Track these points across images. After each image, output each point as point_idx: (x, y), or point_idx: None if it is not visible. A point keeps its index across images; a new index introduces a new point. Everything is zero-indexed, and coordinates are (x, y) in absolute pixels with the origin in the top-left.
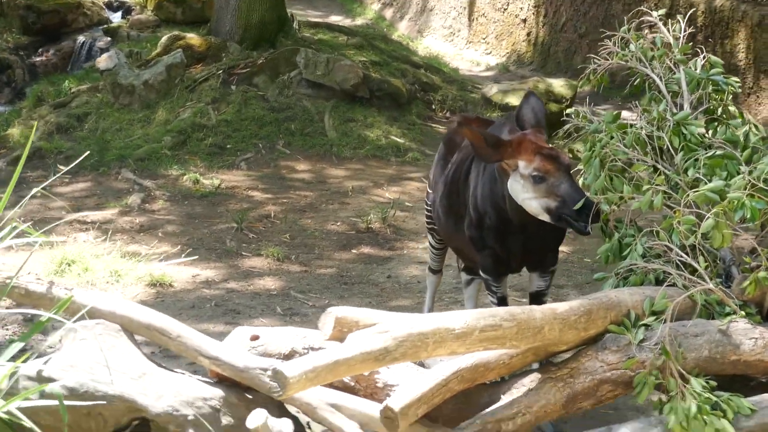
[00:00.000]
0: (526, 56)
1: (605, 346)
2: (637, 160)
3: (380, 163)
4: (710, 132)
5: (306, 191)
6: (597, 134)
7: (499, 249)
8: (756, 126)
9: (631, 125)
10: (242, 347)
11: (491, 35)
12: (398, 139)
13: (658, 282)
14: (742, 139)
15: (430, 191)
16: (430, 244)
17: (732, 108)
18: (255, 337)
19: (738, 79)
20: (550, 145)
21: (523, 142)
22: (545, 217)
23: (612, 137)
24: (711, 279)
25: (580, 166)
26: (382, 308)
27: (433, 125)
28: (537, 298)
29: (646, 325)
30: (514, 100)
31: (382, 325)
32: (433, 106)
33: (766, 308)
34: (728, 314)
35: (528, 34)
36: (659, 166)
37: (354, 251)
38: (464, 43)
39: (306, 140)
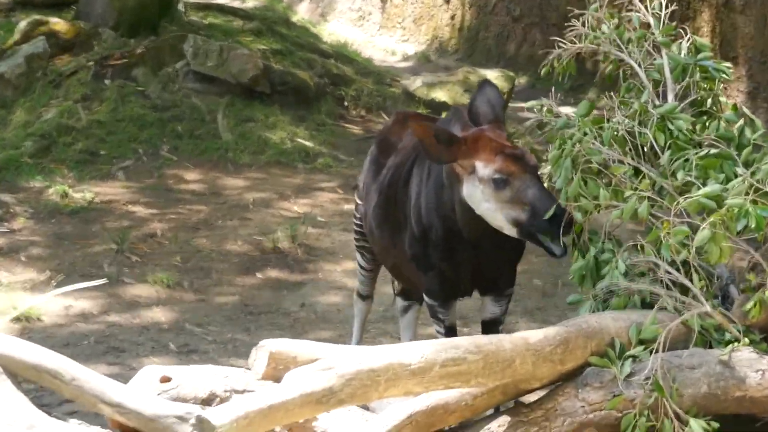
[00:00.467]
0: (450, 43)
1: (586, 382)
2: (615, 161)
3: (285, 170)
4: (699, 127)
5: (198, 205)
6: (567, 130)
7: (447, 269)
8: (753, 120)
9: (608, 120)
10: (151, 391)
11: (408, 19)
12: (306, 142)
13: (645, 305)
14: (736, 135)
15: (360, 201)
16: (360, 264)
17: (723, 99)
18: (166, 379)
19: (730, 65)
20: (513, 143)
21: (481, 139)
22: (512, 232)
23: (585, 133)
24: (707, 300)
25: (546, 169)
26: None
27: (347, 125)
28: (490, 328)
29: (634, 357)
30: (442, 95)
31: (326, 361)
32: (346, 103)
33: None
34: (729, 342)
35: (452, 18)
36: (643, 168)
37: (259, 275)
38: (376, 29)
39: (196, 144)
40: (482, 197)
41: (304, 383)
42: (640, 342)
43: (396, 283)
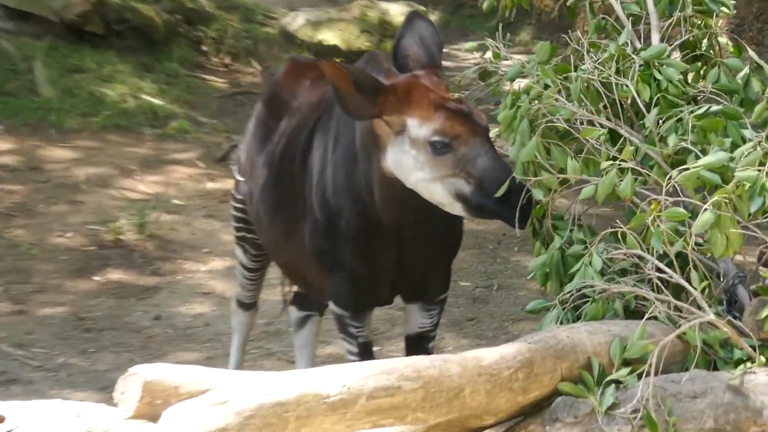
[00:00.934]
0: None
1: (556, 416)
2: (585, 122)
3: (127, 137)
4: (692, 77)
5: (12, 184)
6: (521, 82)
7: (361, 268)
8: (761, 66)
9: (576, 68)
10: None
11: None
12: (154, 100)
13: (629, 312)
14: (742, 86)
15: (241, 178)
16: (241, 262)
17: (723, 40)
18: None
19: None
20: (456, 95)
21: (415, 89)
22: (455, 208)
23: (547, 86)
24: (710, 306)
25: (493, 133)
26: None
27: (207, 77)
28: (418, 345)
29: (617, 382)
30: (332, 36)
31: (218, 392)
32: (205, 48)
33: None
34: (740, 361)
35: None
36: (622, 131)
37: (97, 278)
38: None
39: (6, 103)
40: (414, 165)
41: (190, 423)
42: (625, 362)
43: (288, 287)
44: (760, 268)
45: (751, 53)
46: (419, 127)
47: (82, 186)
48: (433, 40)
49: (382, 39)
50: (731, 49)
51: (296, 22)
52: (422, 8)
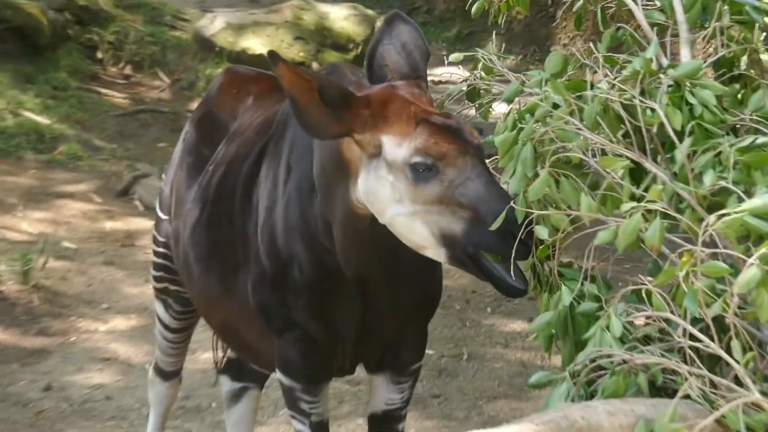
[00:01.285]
0: None
1: None
2: (597, 152)
3: (5, 163)
4: (729, 102)
5: None
6: (520, 101)
7: (317, 329)
8: None
9: (592, 86)
10: None
11: None
12: (38, 118)
13: (654, 389)
14: None
15: (164, 216)
16: (161, 321)
17: (766, 57)
18: None
19: None
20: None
21: (393, 100)
22: (438, 254)
23: (556, 105)
24: (755, 383)
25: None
26: None
27: (103, 91)
28: (385, 426)
29: None
30: (257, 44)
31: None
32: (101, 55)
33: None
34: None
35: None
36: (648, 164)
37: None
38: None
39: None
40: (392, 195)
41: None
42: None
43: (222, 352)
44: None
45: None
46: (398, 146)
47: None
48: (416, 47)
49: (320, 49)
50: None
51: (214, 25)
52: (370, 12)
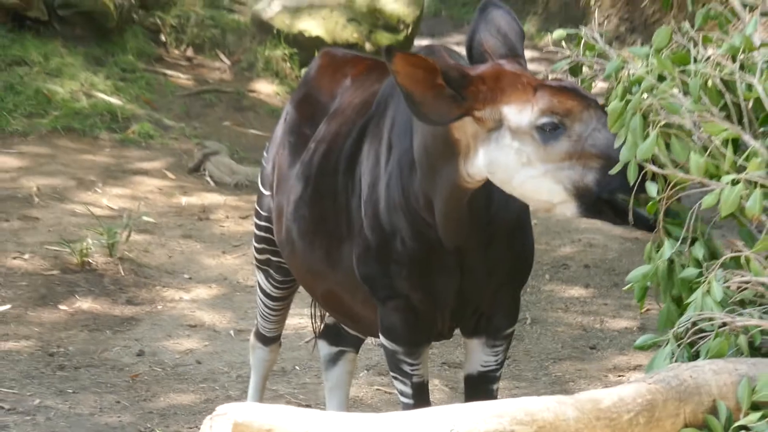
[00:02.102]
0: None
1: None
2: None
3: (82, 142)
4: None
5: None
6: (625, 74)
7: (419, 297)
8: None
9: (695, 60)
10: None
11: None
12: (110, 99)
13: (753, 349)
14: None
15: (266, 192)
16: (263, 290)
17: None
18: None
19: None
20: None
21: (503, 75)
22: (570, 207)
23: (662, 78)
24: None
25: None
26: (139, 411)
27: (169, 72)
28: (481, 386)
29: (746, 428)
30: (314, 26)
31: None
32: (164, 38)
33: None
34: None
35: None
36: (747, 138)
37: (65, 307)
38: None
39: None
40: (518, 160)
41: None
42: (754, 406)
43: (319, 317)
44: None
45: None
46: (520, 113)
47: (34, 198)
48: (511, 29)
49: (372, 30)
50: None
51: (271, 8)
52: None
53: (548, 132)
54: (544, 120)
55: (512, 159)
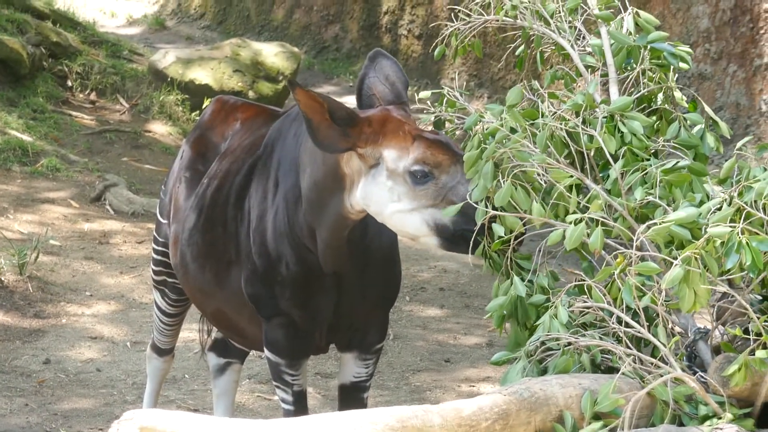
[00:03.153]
0: (194, 4)
1: None
2: (547, 171)
3: None
4: (648, 131)
5: None
6: (481, 127)
7: (300, 315)
8: (716, 122)
9: (543, 115)
10: None
11: None
12: (22, 136)
13: (594, 366)
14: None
15: (163, 220)
16: (159, 307)
17: (678, 94)
18: None
19: (691, 51)
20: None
21: (390, 121)
22: (431, 241)
23: (514, 130)
24: (676, 362)
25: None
26: (45, 413)
27: (74, 113)
28: (353, 395)
29: None
30: (204, 75)
31: None
32: (70, 83)
33: (758, 407)
34: (706, 417)
35: None
36: (587, 182)
37: None
38: None
39: None
40: (390, 197)
41: None
42: (596, 417)
43: (206, 332)
44: (729, 325)
45: (707, 108)
46: (398, 158)
47: None
48: (398, 78)
49: (255, 80)
50: (685, 104)
51: (166, 59)
52: (296, 50)
53: (419, 178)
54: (417, 168)
55: (385, 195)
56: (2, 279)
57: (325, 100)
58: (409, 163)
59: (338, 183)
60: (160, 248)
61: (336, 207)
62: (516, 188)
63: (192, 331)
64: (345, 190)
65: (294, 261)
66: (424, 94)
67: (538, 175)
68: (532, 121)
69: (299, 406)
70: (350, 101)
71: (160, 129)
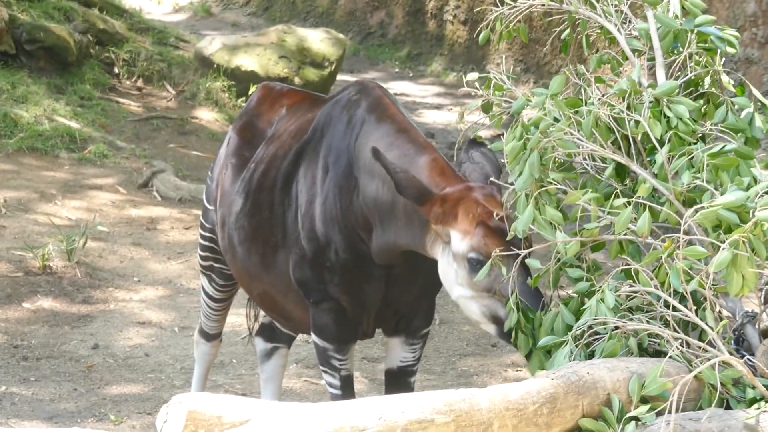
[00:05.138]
0: None
1: None
2: (595, 158)
3: (44, 160)
4: (695, 114)
5: None
6: (527, 114)
7: (349, 300)
8: (765, 105)
9: (586, 102)
10: None
11: None
12: (70, 123)
13: (641, 350)
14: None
15: (210, 206)
16: (206, 292)
17: (726, 78)
18: None
19: (738, 35)
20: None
21: (465, 201)
22: (490, 329)
23: (557, 119)
24: (724, 345)
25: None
26: (94, 397)
27: (121, 100)
28: (398, 381)
29: (636, 419)
30: (249, 62)
31: (258, 424)
32: (117, 70)
33: None
34: (753, 401)
35: None
36: (634, 167)
37: (27, 305)
38: None
39: None
40: (455, 279)
41: None
42: (643, 400)
43: (253, 317)
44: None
45: (755, 91)
46: (461, 241)
47: (1, 210)
48: (488, 159)
49: (301, 66)
50: (732, 88)
51: (212, 46)
52: (342, 36)
53: (475, 266)
54: (473, 255)
55: (452, 276)
56: (51, 265)
57: (395, 173)
58: (466, 249)
59: (425, 227)
60: (207, 234)
61: (414, 239)
62: (539, 211)
63: (239, 316)
64: (430, 233)
65: (344, 248)
66: (472, 76)
67: (584, 159)
68: (575, 109)
69: (347, 390)
70: (395, 87)
71: (206, 115)
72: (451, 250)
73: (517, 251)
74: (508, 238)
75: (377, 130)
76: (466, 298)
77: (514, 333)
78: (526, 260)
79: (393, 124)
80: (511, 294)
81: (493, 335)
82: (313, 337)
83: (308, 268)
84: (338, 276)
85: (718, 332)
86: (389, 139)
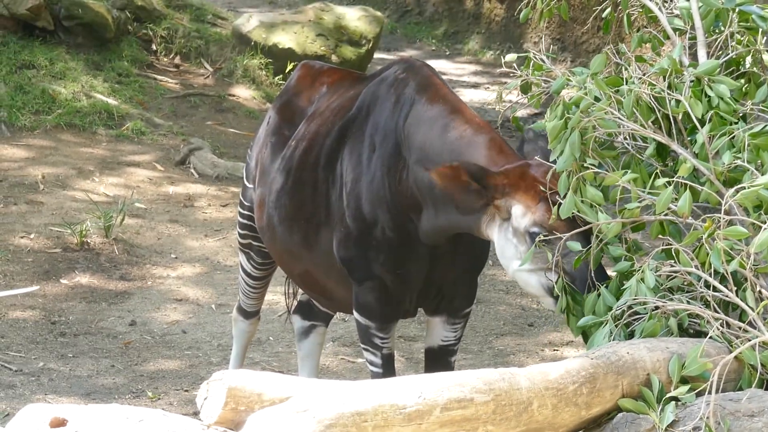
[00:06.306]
0: None
1: None
2: (636, 138)
3: (82, 137)
4: (736, 94)
5: None
6: (566, 94)
7: (393, 279)
8: None
9: (628, 82)
10: None
11: None
12: (107, 99)
13: (681, 330)
14: None
15: (249, 185)
16: (245, 270)
17: (767, 57)
18: (59, 422)
19: None
20: None
21: (526, 177)
22: (547, 302)
23: (598, 99)
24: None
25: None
26: (131, 374)
27: (158, 77)
28: (439, 360)
29: (676, 399)
30: (287, 39)
31: (299, 401)
32: (155, 47)
33: None
34: None
35: None
36: (675, 146)
37: (65, 281)
38: None
39: None
40: (515, 254)
41: (273, 430)
42: (683, 380)
43: (291, 295)
44: None
45: None
46: (522, 216)
47: (39, 185)
48: (539, 149)
49: (338, 44)
50: None
51: (250, 23)
52: (379, 14)
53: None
54: (535, 230)
55: (512, 251)
56: (88, 241)
57: (460, 166)
58: (529, 223)
59: (482, 209)
60: (246, 212)
61: (468, 222)
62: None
63: (277, 294)
64: (486, 215)
65: (391, 227)
66: (510, 56)
67: (624, 139)
68: (616, 89)
69: (388, 368)
70: (431, 65)
71: (243, 93)
72: (511, 226)
73: (578, 228)
74: (550, 222)
75: (429, 111)
76: (526, 272)
77: (565, 315)
78: (567, 243)
79: (446, 104)
80: (565, 273)
81: (552, 309)
82: (356, 315)
83: (353, 246)
84: (384, 255)
85: (758, 313)
86: (444, 120)
